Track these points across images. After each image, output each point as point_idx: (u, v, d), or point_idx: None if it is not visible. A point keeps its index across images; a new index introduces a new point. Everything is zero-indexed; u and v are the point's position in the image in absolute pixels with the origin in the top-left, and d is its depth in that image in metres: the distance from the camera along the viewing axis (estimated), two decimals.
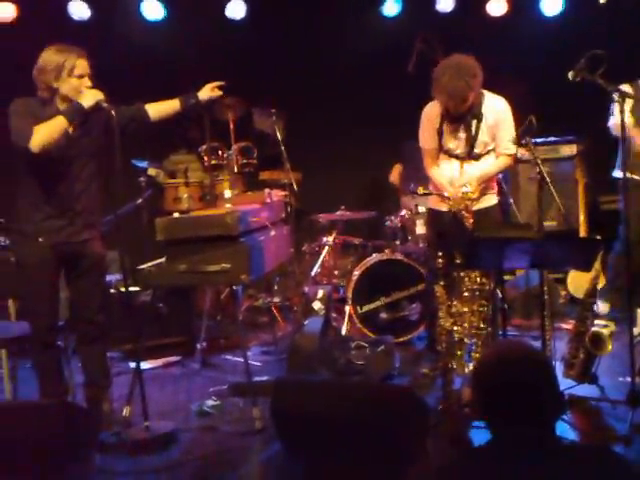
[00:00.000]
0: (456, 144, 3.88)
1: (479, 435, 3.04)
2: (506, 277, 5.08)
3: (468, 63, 3.62)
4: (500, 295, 3.61)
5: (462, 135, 3.86)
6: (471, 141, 3.83)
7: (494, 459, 1.74)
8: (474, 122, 3.79)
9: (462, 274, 3.47)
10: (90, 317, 3.45)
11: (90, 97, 3.19)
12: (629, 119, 4.30)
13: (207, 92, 3.73)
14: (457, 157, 3.90)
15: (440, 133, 3.88)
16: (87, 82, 3.26)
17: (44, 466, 2.75)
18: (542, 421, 1.72)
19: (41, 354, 3.36)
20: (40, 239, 3.27)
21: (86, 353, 3.50)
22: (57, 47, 3.25)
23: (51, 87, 3.24)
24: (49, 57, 3.22)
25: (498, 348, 1.98)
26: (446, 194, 3.73)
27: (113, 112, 3.18)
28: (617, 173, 4.42)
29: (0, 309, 4.09)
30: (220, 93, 3.76)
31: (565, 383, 3.42)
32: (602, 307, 4.59)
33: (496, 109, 3.83)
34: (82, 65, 3.24)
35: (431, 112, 3.91)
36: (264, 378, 3.97)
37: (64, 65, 3.21)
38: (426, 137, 3.94)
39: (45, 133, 3.09)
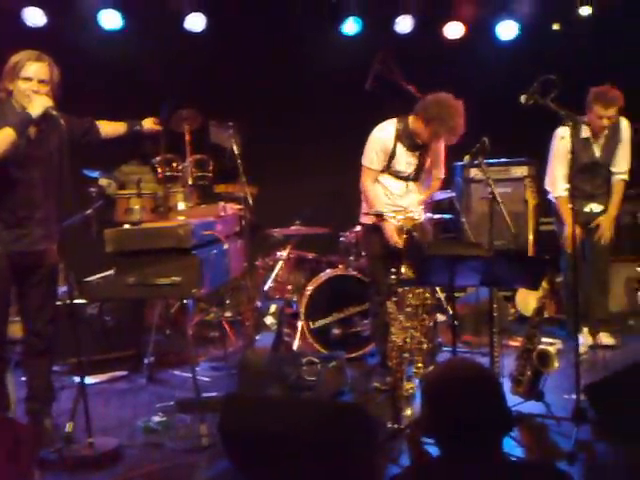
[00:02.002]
0: (406, 167, 4.05)
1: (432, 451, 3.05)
2: (457, 294, 5.15)
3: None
4: (450, 311, 3.66)
5: (414, 160, 4.05)
6: (421, 167, 4.07)
7: (442, 475, 1.75)
8: (427, 150, 4.05)
9: (406, 289, 3.51)
10: (39, 330, 3.37)
11: (38, 105, 3.13)
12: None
13: (150, 124, 3.84)
14: (403, 178, 4.09)
15: (391, 156, 3.99)
16: (35, 87, 3.18)
17: None
18: (489, 438, 1.73)
19: None
20: None
21: (32, 367, 3.41)
22: (21, 51, 3.23)
23: (7, 89, 3.22)
24: (10, 60, 3.21)
25: (447, 365, 1.99)
26: (391, 215, 3.82)
27: (62, 121, 3.13)
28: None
29: None
30: (160, 129, 3.88)
31: (512, 400, 3.46)
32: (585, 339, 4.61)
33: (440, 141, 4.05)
34: (31, 68, 3.18)
35: (386, 136, 4.01)
36: (213, 394, 3.90)
37: (15, 67, 3.18)
38: (374, 159, 4.04)
39: None
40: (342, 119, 6.03)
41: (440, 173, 4.20)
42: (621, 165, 4.56)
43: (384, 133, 4.02)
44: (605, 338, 4.64)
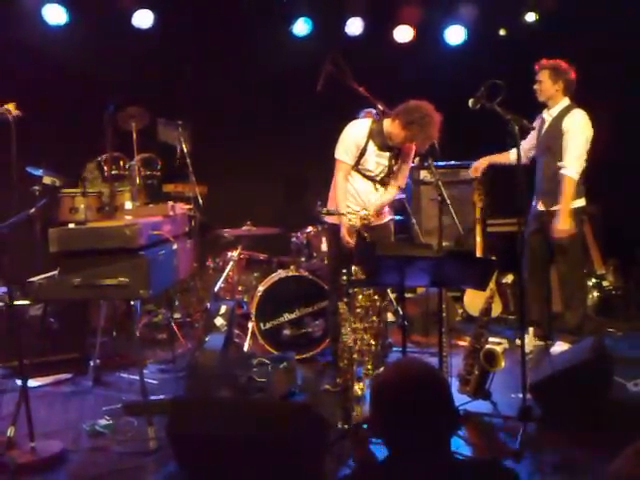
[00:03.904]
0: (375, 167, 4.06)
1: (378, 452, 3.06)
2: (407, 294, 5.20)
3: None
4: (400, 312, 3.69)
5: (384, 162, 4.06)
6: (390, 169, 4.08)
7: (391, 475, 1.75)
8: (398, 154, 4.06)
9: (356, 290, 3.53)
10: None
11: None
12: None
13: (13, 108, 3.51)
14: (371, 179, 4.09)
15: (362, 153, 4.01)
16: None
17: None
18: (437, 437, 1.74)
19: None
20: None
21: None
22: None
23: None
24: None
25: (395, 366, 2.00)
26: (349, 215, 3.81)
27: (9, 116, 3.01)
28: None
29: None
30: (19, 114, 3.55)
31: (460, 399, 3.52)
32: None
33: (411, 147, 4.07)
34: None
35: (359, 132, 4.03)
36: (160, 397, 3.84)
37: None
38: (347, 152, 4.04)
39: None
40: (293, 119, 6.03)
41: (401, 181, 4.20)
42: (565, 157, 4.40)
43: (357, 129, 4.05)
44: (560, 346, 4.53)
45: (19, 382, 3.25)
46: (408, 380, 1.78)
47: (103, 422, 3.51)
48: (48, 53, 5.59)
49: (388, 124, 3.97)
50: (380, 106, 4.26)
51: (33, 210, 4.48)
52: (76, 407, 3.90)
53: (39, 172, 4.63)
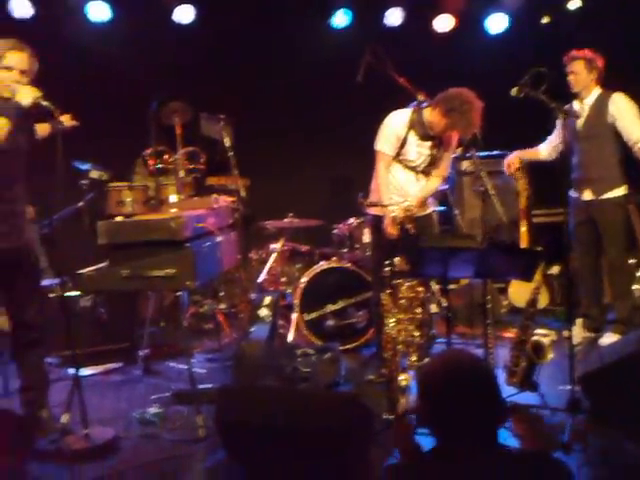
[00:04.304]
0: (417, 157, 4.03)
1: (424, 442, 3.06)
2: (451, 286, 5.17)
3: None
4: (444, 303, 3.68)
5: (425, 151, 4.03)
6: (432, 159, 4.03)
7: (438, 465, 1.76)
8: (439, 143, 4.02)
9: (400, 281, 3.53)
10: (29, 321, 3.34)
11: (27, 95, 3.05)
12: None
13: (68, 120, 3.63)
14: (413, 169, 4.06)
15: (403, 143, 3.99)
16: (16, 76, 3.11)
17: None
18: (485, 428, 1.75)
19: None
20: None
21: (24, 357, 3.38)
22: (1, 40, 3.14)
23: None
24: None
25: (443, 357, 2.01)
26: (391, 207, 3.80)
27: (56, 111, 3.08)
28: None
29: None
30: (76, 123, 3.67)
31: (507, 391, 3.49)
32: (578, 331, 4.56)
33: (452, 136, 4.03)
34: (12, 58, 3.11)
35: (399, 121, 4.02)
36: (208, 385, 3.90)
37: None
38: (389, 143, 4.03)
39: None
40: (334, 111, 6.03)
41: (443, 170, 4.15)
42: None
43: (397, 119, 4.03)
44: (609, 338, 4.49)
45: (72, 371, 3.34)
46: (456, 371, 1.79)
47: (153, 410, 3.59)
48: (92, 50, 5.70)
49: (428, 113, 3.95)
50: (421, 96, 4.23)
51: (81, 203, 4.63)
52: (126, 395, 4.00)
53: (86, 167, 4.73)
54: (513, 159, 4.62)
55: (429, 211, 4.20)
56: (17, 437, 2.93)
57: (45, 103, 3.09)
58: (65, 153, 3.13)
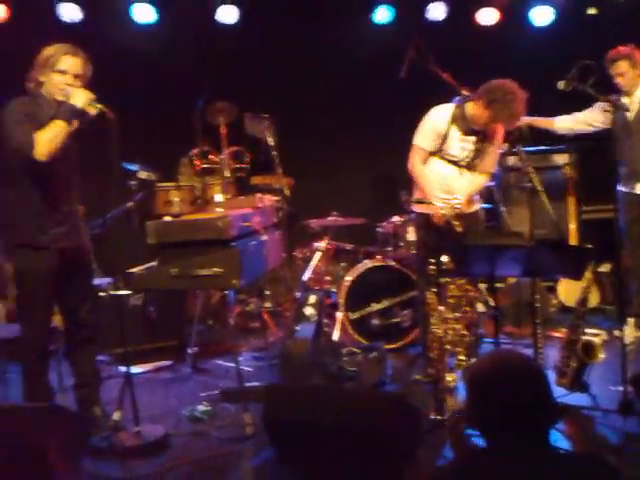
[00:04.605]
0: (460, 152, 4.00)
1: (474, 443, 3.04)
2: (498, 285, 5.11)
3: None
4: (492, 303, 3.63)
5: (469, 146, 4.00)
6: (477, 154, 3.99)
7: (488, 467, 1.75)
8: (484, 138, 3.97)
9: (448, 280, 3.50)
10: (83, 318, 3.42)
11: (81, 97, 3.12)
12: None
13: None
14: (456, 164, 4.02)
15: (444, 138, 3.95)
16: (69, 80, 3.18)
17: (36, 468, 2.72)
18: (536, 430, 1.73)
19: (35, 361, 3.28)
20: (50, 247, 3.21)
21: (77, 355, 3.46)
22: (54, 43, 3.22)
23: (38, 80, 3.22)
24: (43, 52, 3.21)
25: (492, 357, 1.99)
26: (439, 204, 3.76)
27: (108, 113, 3.14)
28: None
29: None
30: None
31: (557, 391, 3.43)
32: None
33: (497, 130, 3.99)
34: (66, 61, 3.18)
35: (441, 116, 3.99)
36: (255, 384, 3.94)
37: (49, 60, 3.18)
38: (426, 138, 4.02)
39: (48, 141, 3.04)
40: (377, 108, 6.01)
41: (490, 166, 4.10)
42: None
43: (438, 114, 4.01)
44: None
45: (123, 369, 3.41)
46: (507, 372, 1.77)
47: (202, 408, 3.64)
48: (138, 51, 5.80)
49: (471, 107, 3.91)
50: (465, 92, 4.18)
51: (131, 204, 4.71)
52: (175, 393, 4.07)
53: (135, 167, 4.81)
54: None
55: (475, 208, 4.16)
56: (71, 434, 2.99)
57: (98, 106, 3.16)
58: (114, 154, 3.20)
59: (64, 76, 3.18)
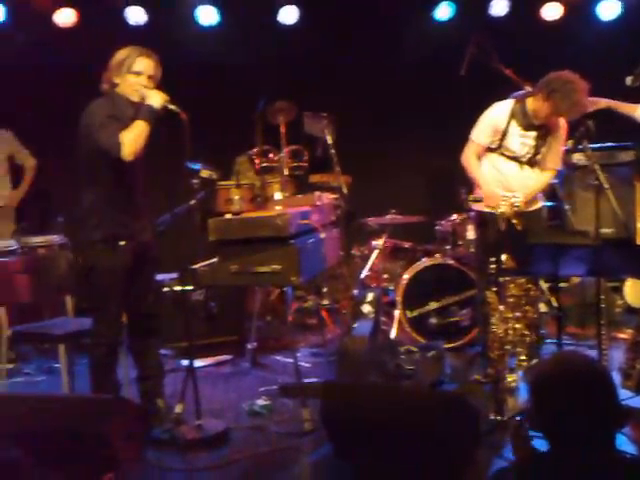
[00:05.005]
0: (520, 148, 3.93)
1: (537, 445, 2.98)
2: (561, 284, 5.00)
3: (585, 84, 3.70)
4: (554, 303, 3.57)
5: (529, 142, 3.92)
6: (537, 149, 3.91)
7: (552, 471, 1.72)
8: (545, 133, 3.89)
9: (507, 279, 3.44)
10: (147, 311, 3.50)
11: (157, 98, 3.22)
12: None
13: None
14: (517, 160, 3.96)
15: (503, 134, 3.90)
16: (144, 81, 3.27)
17: (101, 458, 2.81)
18: (602, 433, 1.69)
19: (104, 355, 3.36)
20: (123, 243, 3.31)
21: (141, 347, 3.53)
22: (128, 46, 3.31)
23: (112, 82, 3.31)
24: (117, 54, 3.30)
25: (556, 359, 1.96)
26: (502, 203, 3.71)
27: (181, 113, 3.22)
28: None
29: (58, 305, 4.21)
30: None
31: (622, 394, 3.33)
32: None
33: (559, 125, 3.90)
34: (141, 63, 3.27)
35: (500, 112, 3.94)
36: (313, 380, 3.98)
37: (124, 61, 3.27)
38: (482, 133, 3.97)
39: (133, 141, 3.14)
40: (437, 106, 5.96)
41: (555, 163, 4.01)
42: None
43: (497, 110, 3.96)
44: None
45: (185, 362, 3.49)
46: (571, 374, 1.74)
47: (261, 402, 3.69)
48: (201, 53, 5.91)
49: (531, 101, 3.83)
50: (528, 88, 4.11)
51: (193, 202, 4.81)
52: (235, 387, 4.13)
53: (197, 166, 4.92)
54: (599, 100, 4.31)
55: (537, 206, 4.08)
56: (135, 425, 3.08)
57: (172, 106, 3.25)
58: (177, 153, 3.28)
59: (139, 77, 3.27)
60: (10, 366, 4.20)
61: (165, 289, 4.58)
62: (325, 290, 5.33)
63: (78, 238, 3.50)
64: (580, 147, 4.20)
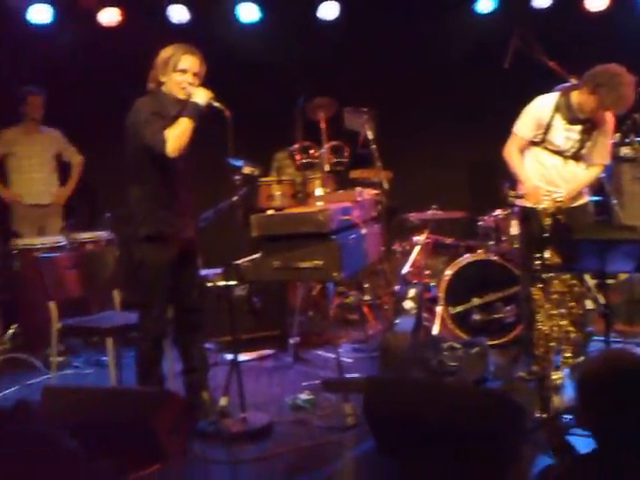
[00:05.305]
0: (565, 142, 3.87)
1: (580, 443, 2.94)
2: (608, 281, 4.90)
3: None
4: (601, 299, 3.51)
5: (574, 136, 3.86)
6: (583, 144, 3.85)
7: (597, 472, 1.70)
8: (591, 127, 3.82)
9: (552, 275, 3.39)
10: (193, 306, 3.56)
11: (202, 95, 3.26)
12: None
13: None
14: (561, 154, 3.90)
15: (547, 128, 3.85)
16: (190, 79, 3.31)
17: (147, 449, 2.87)
18: None
19: (151, 348, 3.42)
20: (173, 239, 3.37)
21: (187, 341, 3.58)
22: (173, 44, 3.35)
23: (158, 81, 3.36)
24: (162, 53, 3.34)
25: (604, 357, 1.93)
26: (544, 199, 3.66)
27: (227, 112, 3.26)
28: None
29: (106, 300, 4.30)
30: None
31: None
32: None
33: (606, 119, 3.83)
34: (186, 61, 3.30)
35: (543, 105, 3.89)
36: (355, 375, 3.98)
37: (170, 60, 3.30)
38: (525, 126, 3.93)
39: (177, 138, 3.19)
40: (478, 100, 5.89)
41: (602, 158, 3.93)
42: None
43: (541, 103, 3.90)
44: None
45: (229, 356, 3.53)
46: (619, 372, 1.72)
47: (304, 396, 3.71)
48: (243, 49, 5.94)
49: (576, 95, 3.76)
50: (573, 80, 4.04)
51: (236, 198, 4.86)
52: (278, 381, 4.17)
53: (240, 163, 4.96)
54: None
55: (583, 201, 4.01)
56: (181, 418, 3.13)
57: (216, 104, 3.28)
58: (219, 150, 3.31)
59: (185, 75, 3.31)
60: (60, 359, 4.30)
61: (209, 284, 4.64)
62: (367, 286, 5.33)
63: (125, 234, 3.57)
64: (627, 140, 4.13)
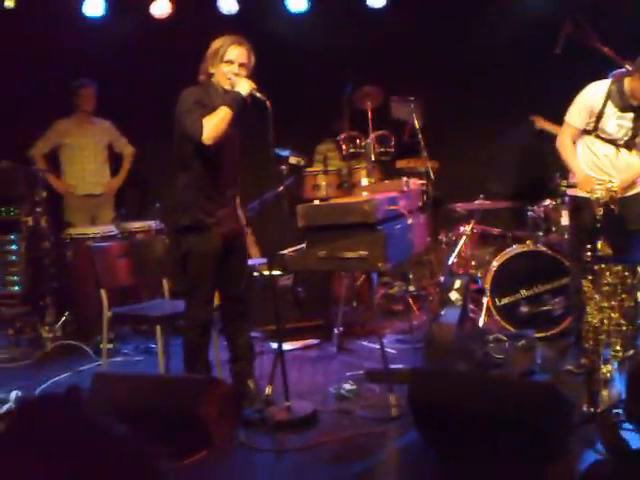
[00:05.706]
0: (617, 130, 3.81)
1: (631, 439, 2.88)
2: None
3: None
4: None
5: (627, 124, 3.80)
6: (636, 132, 3.78)
7: None
8: None
9: (603, 267, 3.31)
10: (238, 295, 3.59)
11: (245, 86, 3.28)
12: None
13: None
14: (613, 142, 3.83)
15: (599, 116, 3.78)
16: (236, 69, 3.33)
17: (196, 436, 2.94)
18: None
19: (198, 336, 3.47)
20: (216, 229, 3.40)
21: (233, 330, 3.62)
22: (224, 36, 3.38)
23: (208, 72, 3.40)
24: (212, 45, 3.38)
25: None
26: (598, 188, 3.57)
27: (268, 102, 3.27)
28: None
29: (156, 288, 4.39)
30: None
31: None
32: None
33: None
34: (233, 52, 3.33)
35: (595, 93, 3.82)
36: (400, 366, 3.97)
37: (218, 51, 3.34)
38: (577, 115, 3.87)
39: (213, 126, 3.22)
40: (528, 89, 5.77)
41: None
42: None
43: (593, 90, 3.84)
44: None
45: (274, 345, 3.56)
46: None
47: (348, 386, 3.72)
48: (290, 39, 5.96)
49: (629, 81, 3.67)
50: (628, 67, 3.92)
51: (282, 188, 4.89)
52: (322, 371, 4.20)
53: (286, 153, 4.98)
54: None
55: (637, 191, 3.91)
56: (228, 405, 3.18)
57: (259, 94, 3.30)
58: (266, 140, 3.33)
59: (231, 66, 3.34)
60: (110, 346, 4.40)
61: (255, 274, 4.68)
62: (411, 276, 5.30)
63: (170, 223, 3.62)
64: None
